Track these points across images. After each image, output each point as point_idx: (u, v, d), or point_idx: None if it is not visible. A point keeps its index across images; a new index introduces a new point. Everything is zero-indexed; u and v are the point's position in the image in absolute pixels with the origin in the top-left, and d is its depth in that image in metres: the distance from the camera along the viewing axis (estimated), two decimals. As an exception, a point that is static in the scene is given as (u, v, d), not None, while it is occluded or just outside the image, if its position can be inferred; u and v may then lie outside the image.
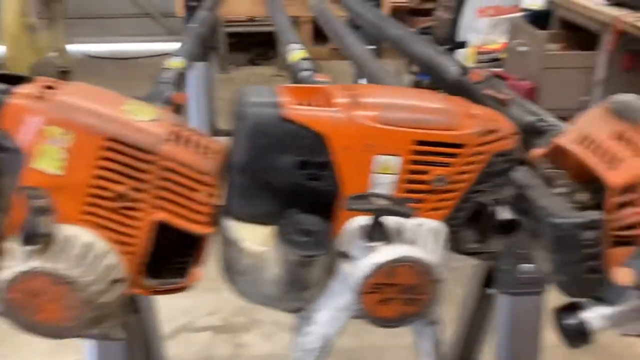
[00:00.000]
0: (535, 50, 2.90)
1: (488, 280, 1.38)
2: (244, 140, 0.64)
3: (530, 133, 0.95)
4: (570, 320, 0.77)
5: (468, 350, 1.53)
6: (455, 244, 0.72)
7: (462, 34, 4.00)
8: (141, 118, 0.64)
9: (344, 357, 2.14)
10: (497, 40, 3.52)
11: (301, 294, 0.67)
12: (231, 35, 5.23)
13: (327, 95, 0.67)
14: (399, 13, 5.33)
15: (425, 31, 4.40)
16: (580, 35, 3.04)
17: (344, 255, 0.68)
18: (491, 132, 0.68)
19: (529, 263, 1.18)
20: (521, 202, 0.75)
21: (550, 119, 1.00)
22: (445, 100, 0.69)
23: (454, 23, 4.00)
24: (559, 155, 0.79)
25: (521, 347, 1.22)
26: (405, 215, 0.63)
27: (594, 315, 0.77)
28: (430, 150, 0.66)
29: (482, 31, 3.62)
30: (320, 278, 0.68)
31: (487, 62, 3.43)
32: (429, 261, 0.66)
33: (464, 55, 3.80)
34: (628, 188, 0.68)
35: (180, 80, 1.23)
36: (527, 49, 2.97)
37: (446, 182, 0.67)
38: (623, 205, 0.69)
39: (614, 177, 0.69)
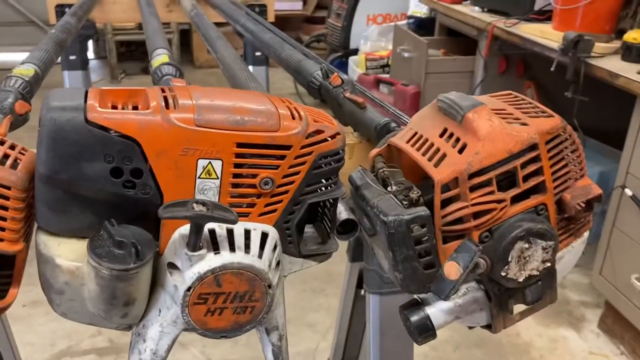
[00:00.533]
0: (419, 56, 3.00)
1: (361, 281, 1.40)
2: (44, 148, 0.59)
3: (385, 133, 0.96)
4: (415, 317, 0.78)
5: (349, 352, 1.53)
6: (291, 247, 0.71)
7: (355, 41, 4.09)
8: None
9: (240, 369, 2.11)
10: (386, 47, 3.62)
11: (125, 311, 0.63)
12: (123, 43, 5.07)
13: (146, 97, 0.64)
14: (295, 21, 5.38)
15: (319, 38, 4.46)
16: (460, 41, 3.19)
17: (171, 267, 0.65)
18: (316, 132, 0.67)
19: (394, 262, 1.20)
20: (357, 203, 0.75)
21: (406, 119, 1.02)
22: (270, 102, 0.68)
23: (346, 30, 4.07)
24: (394, 154, 0.80)
25: (393, 345, 1.23)
26: (228, 221, 0.60)
27: (436, 310, 0.78)
28: (253, 152, 0.64)
29: (371, 38, 3.71)
30: (146, 292, 0.64)
31: (376, 68, 3.52)
32: (258, 267, 0.64)
33: (356, 62, 3.88)
34: (452, 183, 0.70)
35: (29, 88, 1.14)
36: (411, 54, 3.07)
37: (274, 185, 0.66)
38: (450, 200, 0.71)
39: (438, 173, 0.70)
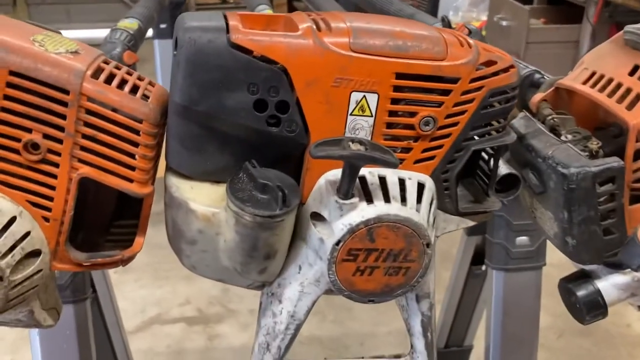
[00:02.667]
0: (518, 25, 2.80)
1: (476, 258, 1.28)
2: (182, 75, 0.51)
3: (528, 86, 0.84)
4: (583, 292, 0.66)
5: (457, 335, 1.42)
6: (448, 203, 0.61)
7: (444, 13, 3.90)
8: (56, 50, 0.52)
9: (328, 346, 2.04)
10: (478, 18, 3.42)
11: (264, 265, 0.55)
12: (205, 19, 5.08)
13: (290, 22, 0.55)
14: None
15: (404, 11, 4.29)
16: (562, 10, 2.96)
17: (316, 218, 0.56)
18: (487, 63, 0.56)
19: (524, 235, 1.08)
20: (520, 154, 0.64)
21: (546, 74, 0.89)
22: (432, 28, 0.57)
23: (434, 1, 3.89)
24: (563, 100, 0.68)
25: (517, 328, 1.11)
26: (389, 163, 0.51)
27: (608, 284, 0.66)
28: (414, 85, 0.54)
29: (462, 8, 3.52)
30: (287, 245, 0.56)
31: (469, 39, 3.33)
32: (417, 221, 0.54)
33: (444, 35, 3.69)
34: (648, 130, 0.58)
35: (134, 41, 1.10)
36: (509, 23, 2.87)
37: (435, 126, 0.56)
38: (643, 152, 0.58)
39: (633, 116, 0.58)
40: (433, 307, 0.63)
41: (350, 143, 0.51)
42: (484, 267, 1.22)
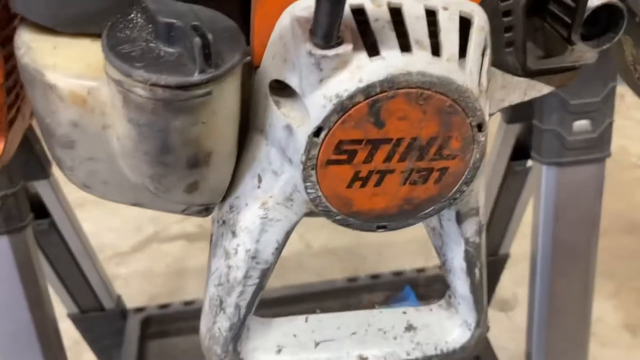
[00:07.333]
0: None
1: (517, 152, 1.03)
2: None
3: None
4: None
5: (492, 243, 1.22)
6: (505, 56, 0.36)
7: None
8: None
9: (343, 257, 1.87)
10: None
11: (191, 178, 0.32)
12: None
13: None
14: None
15: None
16: None
17: (278, 91, 0.32)
18: None
19: (584, 118, 0.83)
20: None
21: None
22: None
23: None
24: None
25: (573, 237, 0.90)
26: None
27: None
28: None
29: None
30: (230, 140, 0.32)
31: None
32: (460, 84, 0.30)
33: None
34: None
35: None
36: None
37: None
38: None
39: None
40: (483, 230, 0.39)
41: None
42: (528, 163, 0.99)
